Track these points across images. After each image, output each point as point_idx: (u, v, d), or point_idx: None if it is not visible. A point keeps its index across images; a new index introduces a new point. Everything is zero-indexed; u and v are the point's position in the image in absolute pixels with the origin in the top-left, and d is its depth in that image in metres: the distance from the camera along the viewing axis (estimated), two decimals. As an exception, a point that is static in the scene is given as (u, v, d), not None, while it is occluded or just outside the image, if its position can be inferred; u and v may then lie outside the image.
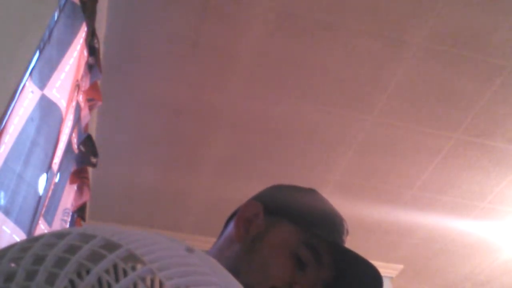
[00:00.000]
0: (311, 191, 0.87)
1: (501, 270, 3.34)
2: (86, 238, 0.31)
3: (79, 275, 0.30)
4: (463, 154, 2.48)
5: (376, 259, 3.29)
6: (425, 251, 3.21)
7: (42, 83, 1.24)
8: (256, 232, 0.77)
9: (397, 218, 2.92)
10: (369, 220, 2.93)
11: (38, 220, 1.30)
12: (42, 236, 0.32)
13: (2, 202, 1.07)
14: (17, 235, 1.11)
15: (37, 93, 1.22)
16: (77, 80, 1.51)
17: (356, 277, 0.76)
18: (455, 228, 2.98)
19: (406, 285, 3.54)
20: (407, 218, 2.92)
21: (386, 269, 3.35)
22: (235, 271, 0.63)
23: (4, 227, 1.07)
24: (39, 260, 0.31)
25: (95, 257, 0.30)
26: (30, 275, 0.31)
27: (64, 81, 1.34)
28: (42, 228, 1.45)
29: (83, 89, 1.67)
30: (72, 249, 0.31)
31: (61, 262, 0.30)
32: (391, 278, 3.39)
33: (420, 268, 3.40)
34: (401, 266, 3.37)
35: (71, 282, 0.30)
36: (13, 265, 0.31)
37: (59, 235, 0.32)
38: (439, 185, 2.68)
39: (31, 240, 0.32)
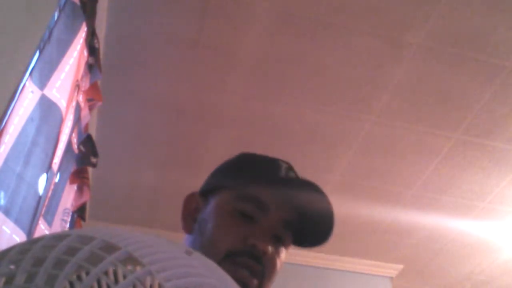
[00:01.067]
0: (238, 156, 0.87)
1: (501, 270, 3.34)
2: (85, 240, 0.31)
3: (79, 277, 0.31)
4: (463, 154, 2.48)
5: (376, 259, 3.29)
6: (425, 251, 3.21)
7: (42, 83, 1.24)
8: (197, 216, 0.79)
9: (397, 218, 2.92)
10: (369, 220, 2.93)
11: (38, 220, 1.30)
12: (41, 238, 0.32)
13: (2, 202, 1.07)
14: (17, 235, 1.11)
15: (37, 93, 1.22)
16: (77, 80, 1.51)
17: (308, 203, 0.75)
18: (455, 228, 2.98)
19: (406, 285, 3.54)
20: (407, 218, 2.92)
21: (386, 269, 3.36)
22: None
23: (4, 227, 1.07)
24: (38, 262, 0.31)
25: (94, 259, 0.30)
26: (30, 277, 0.31)
27: (64, 81, 1.34)
28: (42, 228, 1.45)
29: (83, 89, 1.67)
30: (71, 251, 0.31)
31: (60, 264, 0.30)
32: (391, 278, 3.39)
33: (420, 268, 3.40)
34: (401, 266, 3.37)
35: (71, 284, 0.30)
36: (12, 267, 0.32)
37: (59, 237, 0.32)
38: (439, 185, 2.68)
39: (31, 242, 0.32)
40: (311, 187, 0.74)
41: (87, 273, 0.30)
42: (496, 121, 2.30)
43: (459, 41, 1.98)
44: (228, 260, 0.70)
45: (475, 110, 2.26)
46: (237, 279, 0.67)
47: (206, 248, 0.72)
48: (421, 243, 3.15)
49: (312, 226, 0.77)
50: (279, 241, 0.76)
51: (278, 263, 0.75)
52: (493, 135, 2.37)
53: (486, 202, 2.77)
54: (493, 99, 2.20)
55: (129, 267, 0.30)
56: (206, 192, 0.81)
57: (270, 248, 0.72)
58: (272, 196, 0.75)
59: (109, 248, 0.31)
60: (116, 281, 0.30)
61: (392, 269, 3.37)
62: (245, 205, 0.74)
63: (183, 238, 0.83)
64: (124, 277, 0.30)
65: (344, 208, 2.85)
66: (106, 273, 0.30)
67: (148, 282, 0.30)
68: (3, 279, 0.31)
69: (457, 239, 3.07)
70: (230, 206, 0.75)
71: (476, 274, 3.40)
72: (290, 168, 0.81)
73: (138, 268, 0.30)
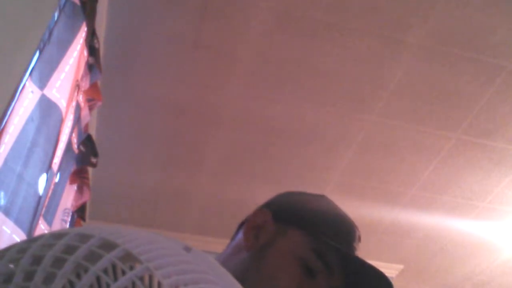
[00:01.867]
0: (321, 197, 0.85)
1: (501, 270, 3.34)
2: (84, 238, 0.31)
3: (77, 275, 0.31)
4: (463, 154, 2.48)
5: (376, 259, 3.29)
6: (425, 251, 3.21)
7: (42, 83, 1.24)
8: (265, 240, 0.76)
9: (397, 218, 2.92)
10: (369, 220, 2.93)
11: (38, 220, 1.30)
12: (40, 237, 0.32)
13: (2, 202, 1.07)
14: (17, 235, 1.11)
15: (37, 93, 1.22)
16: (77, 80, 1.51)
17: (366, 285, 0.75)
18: (455, 228, 2.98)
19: (406, 285, 3.54)
20: (407, 218, 2.92)
21: (386, 269, 3.35)
22: (242, 279, 0.62)
23: (4, 227, 1.07)
24: (37, 260, 0.31)
25: (93, 257, 0.30)
26: (29, 276, 0.31)
27: (64, 81, 1.34)
28: (42, 228, 1.45)
29: (83, 89, 1.67)
30: (70, 249, 0.31)
31: (59, 262, 0.31)
32: (391, 278, 3.39)
33: (420, 268, 3.40)
34: (401, 266, 3.37)
35: (69, 282, 0.30)
36: (11, 266, 0.32)
37: (57, 236, 0.32)
38: (439, 185, 2.68)
39: (30, 241, 0.32)
40: (378, 272, 0.73)
41: (86, 271, 0.30)
42: (496, 121, 2.30)
43: (459, 41, 1.98)
44: None
45: (475, 110, 2.26)
46: None
47: (262, 283, 0.71)
48: (421, 243, 3.15)
49: None
50: None
51: None
52: (493, 135, 2.37)
53: (486, 202, 2.77)
54: (493, 99, 2.20)
55: (128, 265, 0.30)
56: (279, 218, 0.79)
57: None
58: (340, 263, 0.74)
59: (108, 246, 0.31)
60: (115, 278, 0.30)
61: (392, 269, 3.37)
62: (315, 261, 0.73)
63: (213, 242, 0.82)
64: (123, 274, 0.30)
65: (344, 208, 2.84)
66: (104, 271, 0.30)
67: (146, 279, 0.30)
68: (2, 278, 0.31)
69: (457, 239, 3.07)
70: (302, 253, 0.73)
71: (476, 274, 3.40)
72: (360, 238, 0.81)
73: (137, 266, 0.30)
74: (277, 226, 0.77)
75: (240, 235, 0.80)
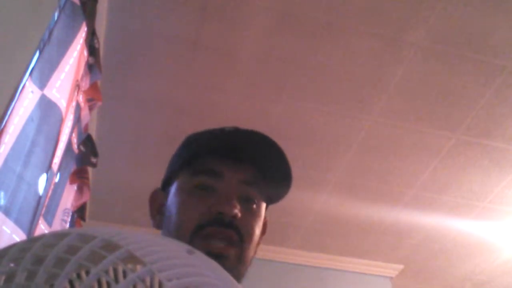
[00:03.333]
0: (185, 137, 0.85)
1: (501, 270, 3.34)
2: (86, 238, 0.31)
3: (79, 276, 0.30)
4: (463, 154, 2.48)
5: (376, 259, 3.29)
6: (425, 251, 3.22)
7: (42, 83, 1.24)
8: (163, 207, 0.78)
9: (397, 218, 2.92)
10: (369, 220, 2.93)
11: (38, 220, 1.30)
12: (42, 237, 0.32)
13: (2, 202, 1.07)
14: (17, 235, 1.11)
15: (37, 93, 1.22)
16: (77, 80, 1.51)
17: (257, 151, 0.73)
18: (455, 228, 2.98)
19: (406, 285, 3.54)
20: (407, 218, 2.92)
21: (386, 269, 3.36)
22: None
23: (4, 227, 1.07)
24: (39, 260, 0.31)
25: (95, 258, 0.30)
26: (30, 276, 0.31)
27: (64, 81, 1.34)
28: (42, 228, 1.45)
29: (83, 89, 1.67)
30: (72, 250, 0.31)
31: (61, 263, 0.30)
32: (391, 278, 3.39)
33: (420, 268, 3.40)
34: (401, 266, 3.37)
35: (71, 282, 0.30)
36: (13, 265, 0.31)
37: (59, 236, 0.32)
38: (439, 185, 2.68)
39: (31, 240, 0.32)
40: (253, 134, 0.72)
41: (87, 272, 0.30)
42: (496, 121, 2.30)
43: (459, 41, 1.98)
44: (199, 235, 0.68)
45: (475, 110, 2.26)
46: (213, 253, 0.66)
47: (175, 232, 0.70)
48: (421, 243, 3.15)
49: (269, 171, 0.75)
50: (248, 201, 0.73)
51: (254, 223, 0.73)
52: (493, 135, 2.37)
53: (486, 202, 2.77)
54: (493, 99, 2.20)
55: (130, 266, 0.30)
56: (165, 184, 0.81)
57: (237, 210, 0.70)
58: (220, 158, 0.74)
59: (110, 247, 0.31)
60: (117, 280, 0.30)
61: (392, 269, 3.37)
62: (199, 178, 0.73)
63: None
64: (125, 276, 0.30)
65: (344, 208, 2.85)
66: (106, 272, 0.30)
67: (149, 281, 0.30)
68: (3, 277, 0.31)
69: (457, 239, 3.07)
70: (186, 185, 0.74)
71: (476, 274, 3.40)
72: (237, 129, 0.77)
73: (139, 267, 0.30)
74: (166, 192, 0.79)
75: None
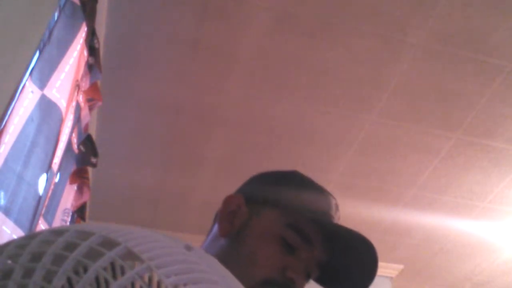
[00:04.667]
0: (293, 173, 0.85)
1: (501, 270, 3.34)
2: (84, 235, 0.31)
3: (77, 273, 0.30)
4: (463, 154, 2.48)
5: (376, 259, 3.29)
6: (425, 251, 3.21)
7: (42, 83, 1.24)
8: (239, 223, 0.76)
9: (397, 218, 2.92)
10: (369, 220, 2.93)
11: (38, 220, 1.30)
12: (39, 233, 0.32)
13: (2, 202, 1.07)
14: (17, 235, 1.11)
15: (37, 93, 1.22)
16: (77, 80, 1.51)
17: (350, 251, 0.75)
18: (455, 228, 2.98)
19: (406, 285, 3.54)
20: (407, 218, 2.92)
21: (386, 269, 3.35)
22: (222, 264, 0.62)
23: (4, 227, 1.07)
24: (36, 257, 0.31)
25: (93, 255, 0.30)
26: (28, 273, 0.31)
27: (64, 81, 1.34)
28: (42, 228, 1.45)
29: (83, 89, 1.67)
30: (70, 247, 0.31)
31: (59, 260, 0.30)
32: (391, 278, 3.39)
33: (420, 268, 3.40)
34: (401, 266, 3.37)
35: (69, 279, 0.30)
36: (10, 262, 0.31)
37: (57, 233, 0.32)
38: (439, 185, 2.68)
39: (29, 237, 0.32)
40: (358, 235, 0.74)
41: (85, 269, 0.30)
42: (496, 121, 2.30)
43: (459, 41, 1.98)
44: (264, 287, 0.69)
45: (475, 110, 2.26)
46: None
47: (243, 266, 0.70)
48: (421, 243, 3.14)
49: (347, 271, 0.77)
50: (308, 278, 0.75)
51: None
52: (493, 135, 2.37)
53: (486, 202, 2.77)
54: (493, 99, 2.20)
55: (128, 263, 0.30)
56: (252, 200, 0.78)
57: (304, 285, 0.73)
58: (318, 232, 0.74)
59: (108, 243, 0.31)
60: (115, 277, 0.30)
61: (392, 269, 3.37)
62: (292, 235, 0.73)
63: (204, 239, 0.81)
64: (123, 273, 0.30)
65: (344, 208, 2.84)
66: (105, 269, 0.30)
67: (147, 278, 0.30)
68: (1, 274, 0.31)
69: (457, 239, 3.07)
70: (276, 230, 0.73)
71: (476, 274, 3.40)
72: (337, 206, 0.81)
73: (137, 264, 0.30)
74: (250, 208, 0.77)
75: (216, 226, 0.79)
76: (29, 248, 0.31)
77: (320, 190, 0.80)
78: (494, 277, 3.41)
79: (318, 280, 0.78)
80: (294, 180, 0.82)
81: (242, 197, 0.79)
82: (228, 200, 0.80)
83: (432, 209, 2.84)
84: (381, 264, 3.27)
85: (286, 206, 0.75)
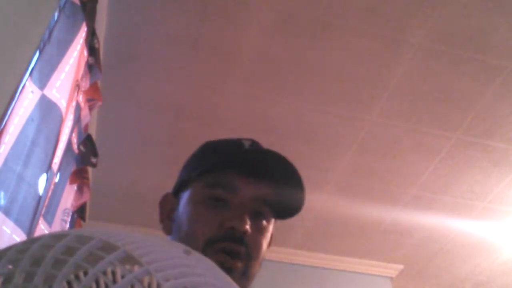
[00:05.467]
0: (201, 144, 0.86)
1: (501, 270, 3.34)
2: (84, 239, 0.31)
3: (77, 277, 0.31)
4: (463, 154, 2.48)
5: (376, 259, 3.29)
6: (425, 251, 3.22)
7: (42, 83, 1.24)
8: (173, 213, 0.79)
9: (397, 218, 2.92)
10: (369, 220, 2.93)
11: (38, 220, 1.30)
12: (39, 238, 0.32)
13: (2, 202, 1.07)
14: (17, 235, 1.11)
15: (37, 93, 1.22)
16: (77, 80, 1.51)
17: (268, 168, 0.75)
18: (455, 228, 2.98)
19: (406, 285, 3.54)
20: (407, 218, 2.92)
21: (386, 269, 3.36)
22: None
23: (4, 227, 1.07)
24: (37, 261, 0.31)
25: (92, 259, 0.30)
26: (28, 277, 0.31)
27: (64, 81, 1.34)
28: (42, 228, 1.45)
29: (83, 89, 1.67)
30: (70, 251, 0.31)
31: (59, 264, 0.31)
32: (391, 278, 3.39)
33: (420, 268, 3.40)
34: (401, 266, 3.37)
35: (69, 283, 0.30)
36: (11, 266, 0.32)
37: (57, 237, 0.32)
38: (439, 185, 2.68)
39: (29, 241, 0.32)
40: (270, 154, 0.74)
41: (85, 273, 0.30)
42: (496, 121, 2.30)
43: (459, 41, 1.98)
44: (209, 249, 0.69)
45: (475, 110, 2.26)
46: (220, 265, 0.68)
47: (185, 242, 0.70)
48: (421, 243, 3.15)
49: (284, 193, 0.76)
50: (258, 217, 0.75)
51: (263, 239, 0.74)
52: (493, 135, 2.37)
53: (486, 202, 2.77)
54: (493, 99, 2.20)
55: (128, 267, 0.30)
56: (178, 190, 0.81)
57: (248, 227, 0.71)
58: (237, 174, 0.74)
59: (108, 247, 0.31)
60: (115, 281, 0.30)
61: (392, 269, 3.37)
62: (214, 190, 0.74)
63: None
64: (123, 276, 0.30)
65: (344, 208, 2.85)
66: (104, 273, 0.30)
67: (146, 281, 0.30)
68: (1, 279, 0.31)
69: (457, 239, 3.07)
70: (200, 196, 0.75)
71: (476, 274, 3.40)
72: (254, 143, 0.81)
73: (137, 268, 0.30)
74: (178, 198, 0.80)
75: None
76: (29, 252, 0.31)
77: (227, 142, 0.81)
78: (494, 277, 3.41)
79: (276, 213, 0.78)
80: (202, 149, 0.84)
81: (169, 194, 0.83)
82: (161, 203, 0.83)
83: (432, 209, 2.84)
84: (381, 264, 3.27)
85: (200, 173, 0.76)
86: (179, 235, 0.74)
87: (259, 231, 0.74)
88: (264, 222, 0.75)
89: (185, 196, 0.78)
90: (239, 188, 0.74)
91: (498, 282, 3.46)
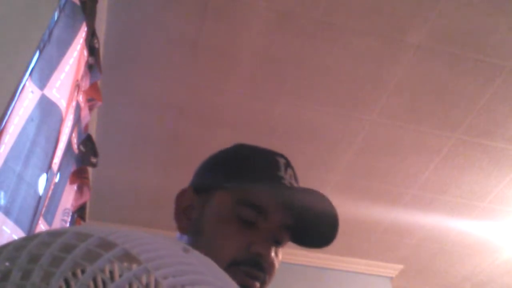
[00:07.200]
0: (234, 148, 0.84)
1: (501, 270, 3.34)
2: (82, 237, 0.31)
3: (75, 275, 0.31)
4: (463, 154, 2.48)
5: (376, 259, 3.29)
6: (425, 251, 3.21)
7: (42, 83, 1.24)
8: (195, 215, 0.76)
9: (397, 218, 2.92)
10: (369, 220, 2.93)
11: (38, 220, 1.30)
12: (37, 235, 0.32)
13: (2, 202, 1.07)
14: (17, 235, 1.11)
15: (37, 93, 1.22)
16: (77, 80, 1.51)
17: (308, 208, 0.74)
18: (455, 228, 2.98)
19: (406, 285, 3.54)
20: (407, 218, 2.91)
21: (386, 269, 3.35)
22: None
23: (4, 227, 1.07)
24: (34, 259, 0.31)
25: (91, 256, 0.30)
26: (26, 274, 0.31)
27: (64, 81, 1.34)
28: (42, 228, 1.45)
29: (83, 89, 1.67)
30: (67, 248, 0.31)
31: (56, 261, 0.30)
32: (391, 278, 3.39)
33: (420, 268, 3.40)
34: (401, 266, 3.37)
35: (66, 281, 0.30)
36: (8, 264, 0.31)
37: (55, 234, 0.32)
38: (439, 185, 2.68)
39: (27, 239, 0.32)
40: (311, 191, 0.72)
41: (83, 271, 0.30)
42: (496, 121, 2.30)
43: (459, 41, 1.98)
44: (233, 268, 0.69)
45: (475, 110, 2.26)
46: (240, 285, 0.67)
47: (208, 254, 0.69)
48: (421, 243, 3.14)
49: (314, 228, 0.76)
50: (278, 244, 0.75)
51: (277, 265, 0.75)
52: (493, 135, 2.37)
53: (486, 202, 2.77)
54: (493, 99, 2.20)
55: (126, 265, 0.30)
56: (201, 188, 0.79)
57: (273, 255, 0.72)
58: (271, 199, 0.73)
59: (106, 245, 0.31)
60: (113, 278, 0.30)
61: (392, 269, 3.37)
62: (246, 211, 0.72)
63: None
64: (121, 274, 0.30)
65: (344, 208, 2.85)
66: (102, 271, 0.30)
67: (144, 279, 0.30)
68: (-1, 276, 0.31)
69: (457, 239, 3.07)
70: (230, 211, 0.73)
71: (476, 274, 3.40)
72: (287, 164, 0.79)
73: (135, 266, 0.30)
74: (201, 197, 0.77)
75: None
76: (27, 250, 0.31)
77: (264, 156, 0.79)
78: (494, 277, 3.41)
79: (294, 241, 0.78)
80: (236, 155, 0.82)
81: (192, 189, 0.80)
82: (179, 197, 0.80)
83: (432, 209, 2.84)
84: (381, 264, 3.27)
85: (232, 185, 0.75)
86: (199, 242, 0.73)
87: (277, 256, 0.75)
88: (280, 248, 0.76)
89: (211, 203, 0.75)
90: (269, 212, 0.73)
91: (498, 282, 3.46)
